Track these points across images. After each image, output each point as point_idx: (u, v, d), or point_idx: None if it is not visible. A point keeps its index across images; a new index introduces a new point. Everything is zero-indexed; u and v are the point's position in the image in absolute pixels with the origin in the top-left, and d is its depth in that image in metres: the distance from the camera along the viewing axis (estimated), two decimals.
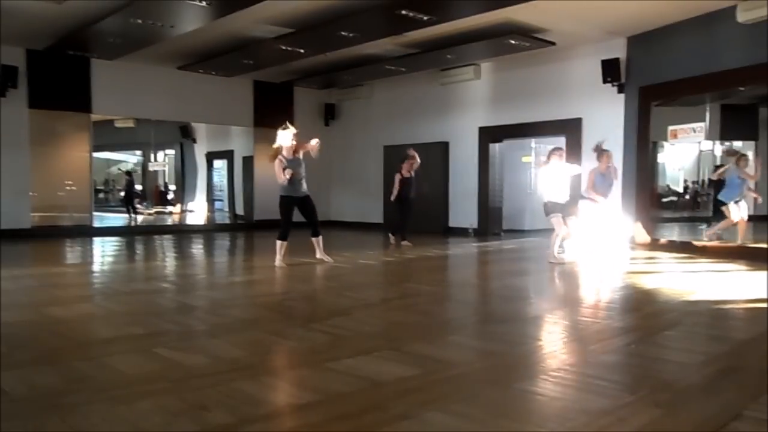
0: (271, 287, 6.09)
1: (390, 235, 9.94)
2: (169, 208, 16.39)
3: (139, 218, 15.25)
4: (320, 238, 7.21)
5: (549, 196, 7.32)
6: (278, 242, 6.92)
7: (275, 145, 6.79)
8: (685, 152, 12.04)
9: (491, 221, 11.59)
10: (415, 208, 9.91)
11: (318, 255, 7.21)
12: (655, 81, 8.85)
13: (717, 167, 10.42)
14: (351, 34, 8.83)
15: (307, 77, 12.60)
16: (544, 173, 7.48)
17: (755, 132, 11.14)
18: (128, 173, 16.51)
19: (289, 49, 9.68)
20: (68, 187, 11.16)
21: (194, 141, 15.96)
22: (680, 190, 12.76)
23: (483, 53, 10.30)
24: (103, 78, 11.14)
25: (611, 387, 2.82)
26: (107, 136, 14.05)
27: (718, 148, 10.86)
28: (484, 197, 11.57)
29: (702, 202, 11.68)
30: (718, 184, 9.88)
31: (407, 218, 9.74)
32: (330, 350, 3.44)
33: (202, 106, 12.43)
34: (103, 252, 9.28)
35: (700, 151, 11.42)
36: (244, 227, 13.58)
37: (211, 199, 16.20)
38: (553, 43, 9.54)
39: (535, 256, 8.46)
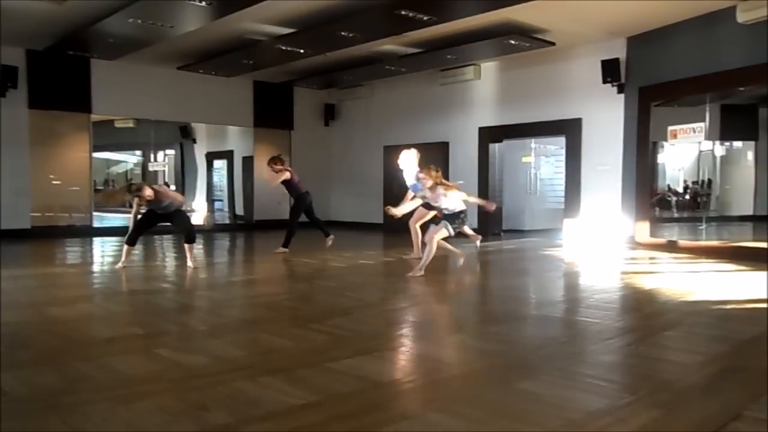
0: (270, 287, 6.09)
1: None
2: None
3: None
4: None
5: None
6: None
7: None
8: (685, 152, 12.03)
9: (491, 221, 11.57)
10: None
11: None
12: (655, 81, 8.85)
13: None
14: (351, 34, 8.83)
15: (307, 77, 12.59)
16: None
17: (755, 132, 11.14)
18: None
19: (289, 49, 9.67)
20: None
21: (194, 141, 15.93)
22: (680, 190, 12.76)
23: (483, 53, 10.29)
24: (103, 78, 11.13)
25: (611, 387, 2.82)
26: (107, 136, 14.01)
27: (719, 148, 10.85)
28: (483, 197, 11.54)
29: (702, 203, 11.67)
30: None
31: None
32: (330, 350, 3.44)
33: (202, 106, 12.42)
34: (103, 252, 9.27)
35: (700, 152, 11.41)
36: (244, 227, 13.58)
37: (210, 199, 16.18)
38: (553, 43, 9.54)
39: (534, 257, 8.47)
